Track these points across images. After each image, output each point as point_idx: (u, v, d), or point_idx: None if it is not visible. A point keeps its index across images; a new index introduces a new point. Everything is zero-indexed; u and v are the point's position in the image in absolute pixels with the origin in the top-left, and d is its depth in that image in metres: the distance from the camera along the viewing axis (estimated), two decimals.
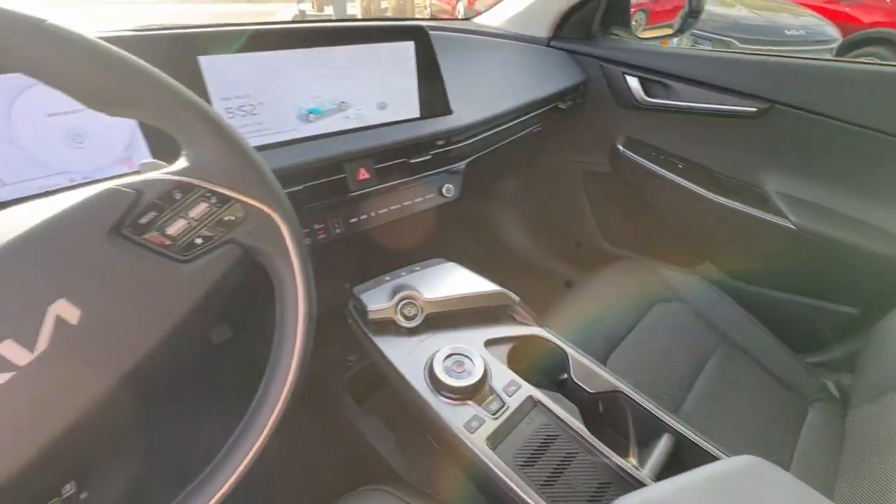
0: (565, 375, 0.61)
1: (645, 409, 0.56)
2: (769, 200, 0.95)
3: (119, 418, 0.30)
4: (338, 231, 0.68)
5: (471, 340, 0.61)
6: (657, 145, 1.08)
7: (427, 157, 0.73)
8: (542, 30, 1.09)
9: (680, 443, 0.53)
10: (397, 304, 0.62)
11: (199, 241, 0.32)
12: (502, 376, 0.57)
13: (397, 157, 0.70)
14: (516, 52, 1.05)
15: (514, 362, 0.60)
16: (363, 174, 0.67)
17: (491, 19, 1.15)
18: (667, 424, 0.54)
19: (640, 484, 0.46)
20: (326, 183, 0.64)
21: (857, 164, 0.86)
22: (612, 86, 1.07)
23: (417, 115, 0.73)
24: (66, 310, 0.26)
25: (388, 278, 0.67)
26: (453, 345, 0.58)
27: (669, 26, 1.39)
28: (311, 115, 0.63)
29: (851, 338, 0.92)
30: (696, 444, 0.52)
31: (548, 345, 0.63)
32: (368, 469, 0.82)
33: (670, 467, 0.50)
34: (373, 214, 0.71)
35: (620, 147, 1.10)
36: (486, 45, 1.02)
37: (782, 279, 0.99)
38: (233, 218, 0.33)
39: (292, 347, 0.37)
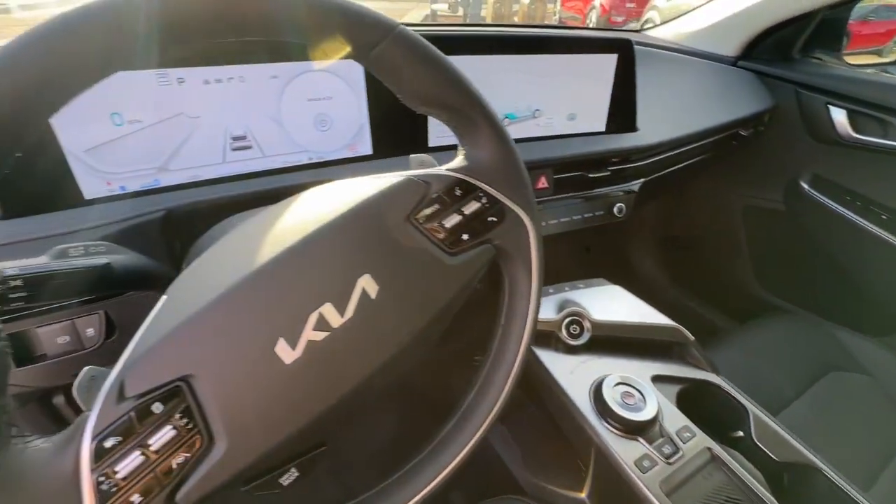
0: (741, 433, 0.55)
1: (846, 492, 0.48)
2: None
3: (373, 394, 0.33)
4: None
5: (637, 372, 0.58)
6: (855, 189, 0.93)
7: (606, 174, 0.71)
8: (731, 48, 1.00)
9: None
10: (563, 319, 0.61)
11: (465, 237, 0.33)
12: (675, 419, 0.53)
13: (577, 169, 0.69)
14: (702, 70, 0.97)
15: (683, 407, 0.56)
16: (542, 183, 0.67)
17: (668, 32, 1.08)
18: None
19: None
20: None
21: None
22: (808, 116, 0.95)
23: (603, 129, 0.71)
24: (369, 284, 0.29)
25: (551, 290, 0.66)
26: (622, 373, 0.55)
27: (878, 52, 1.21)
28: (506, 119, 0.64)
29: None
30: None
31: (723, 395, 0.57)
32: (492, 477, 0.83)
33: None
34: (543, 224, 0.71)
35: (804, 185, 0.97)
36: (671, 61, 0.96)
37: None
38: (495, 219, 0.34)
39: (511, 362, 0.37)
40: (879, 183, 0.90)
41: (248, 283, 0.26)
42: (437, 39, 0.34)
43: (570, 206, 0.72)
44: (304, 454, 0.30)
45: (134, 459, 0.22)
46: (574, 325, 0.61)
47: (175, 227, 0.45)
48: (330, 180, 0.33)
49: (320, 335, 0.27)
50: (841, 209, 0.93)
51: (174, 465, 0.23)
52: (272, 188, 0.50)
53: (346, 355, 0.29)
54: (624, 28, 1.31)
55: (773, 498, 0.47)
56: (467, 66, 0.60)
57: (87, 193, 0.43)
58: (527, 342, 0.37)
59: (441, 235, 0.33)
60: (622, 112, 0.71)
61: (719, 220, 1.16)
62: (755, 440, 0.53)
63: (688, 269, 1.27)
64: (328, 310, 0.28)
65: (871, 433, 0.69)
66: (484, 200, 0.34)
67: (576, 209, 0.73)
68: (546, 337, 0.62)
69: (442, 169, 0.34)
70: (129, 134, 0.43)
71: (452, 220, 0.33)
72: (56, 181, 0.42)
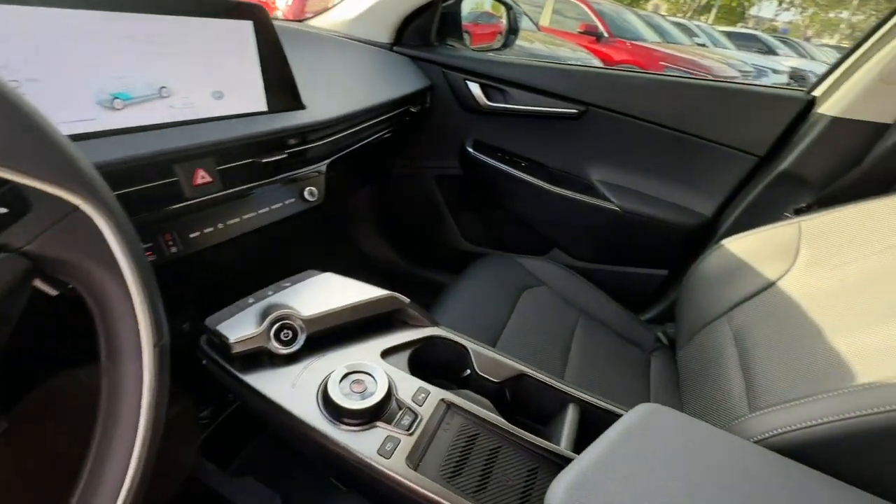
0: (468, 371, 0.58)
1: (549, 384, 0.56)
2: (596, 189, 1.11)
3: None
4: (173, 250, 0.53)
5: (366, 354, 0.54)
6: (501, 146, 1.16)
7: (282, 156, 0.63)
8: (384, 35, 1.08)
9: (584, 410, 0.55)
10: (269, 328, 0.51)
11: None
12: (409, 386, 0.51)
13: (245, 156, 0.59)
14: (362, 53, 1.01)
15: (416, 368, 0.55)
16: (202, 177, 0.54)
17: (327, 22, 1.09)
18: (570, 395, 0.55)
19: (565, 459, 0.46)
20: (150, 189, 0.49)
21: (653, 153, 1.07)
22: (456, 91, 1.12)
23: (265, 108, 0.63)
24: None
25: (251, 300, 0.55)
26: (347, 362, 0.50)
27: (490, 46, 1.53)
28: (118, 100, 0.48)
29: (669, 294, 1.12)
30: (598, 406, 0.54)
31: (447, 343, 0.59)
32: None
33: (583, 434, 0.51)
34: (220, 226, 0.58)
35: (469, 149, 1.16)
36: (330, 44, 0.96)
37: (615, 254, 1.16)
38: (4, 211, 0.21)
39: (136, 405, 0.25)
40: (513, 138, 1.15)
41: None
42: None
43: (252, 199, 0.62)
44: None
45: None
46: (285, 331, 0.52)
47: None
48: None
49: None
50: (497, 164, 1.14)
51: None
52: None
53: None
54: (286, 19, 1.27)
55: (500, 417, 0.50)
56: (27, 23, 0.41)
57: None
58: (154, 369, 0.25)
59: None
60: (282, 88, 0.64)
61: (421, 191, 1.28)
62: (478, 372, 0.57)
63: (409, 241, 1.37)
64: None
65: (555, 329, 0.87)
66: None
67: (261, 201, 0.63)
68: (255, 357, 0.51)
69: None
70: None
71: None
72: None
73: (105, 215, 0.24)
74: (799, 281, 0.70)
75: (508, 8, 1.25)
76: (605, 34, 5.56)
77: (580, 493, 0.38)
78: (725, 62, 5.76)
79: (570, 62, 4.33)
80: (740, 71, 5.74)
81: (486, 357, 0.58)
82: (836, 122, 0.88)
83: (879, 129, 0.85)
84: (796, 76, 6.63)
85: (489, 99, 1.10)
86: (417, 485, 0.42)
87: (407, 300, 0.60)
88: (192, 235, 0.55)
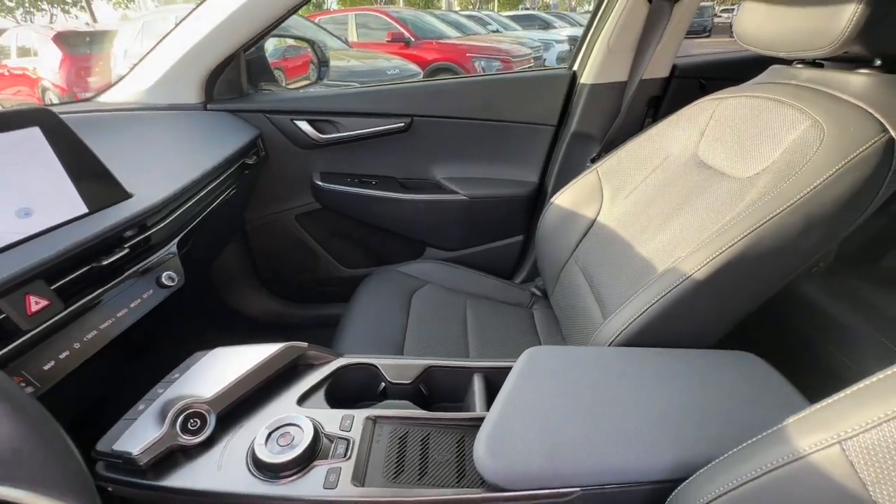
0: (382, 384, 0.64)
1: (453, 366, 0.65)
2: (443, 186, 1.23)
3: None
4: (29, 391, 0.48)
5: (283, 408, 0.56)
6: (347, 171, 1.22)
7: (123, 252, 0.60)
8: (193, 96, 1.05)
9: (487, 375, 0.64)
10: (173, 424, 0.50)
11: None
12: (333, 418, 0.54)
13: (81, 265, 0.55)
14: (176, 119, 0.97)
15: (335, 401, 0.59)
16: (36, 302, 0.50)
17: (123, 96, 1.02)
18: (472, 368, 0.64)
19: (481, 420, 0.55)
20: None
21: (476, 143, 1.23)
22: (286, 133, 1.14)
23: (85, 209, 0.59)
24: None
25: (141, 406, 0.52)
26: (267, 423, 0.52)
27: (307, 78, 1.56)
28: None
29: (529, 254, 1.31)
30: (497, 367, 0.64)
31: (355, 367, 0.64)
32: None
33: (492, 396, 0.60)
34: (77, 346, 0.54)
35: (318, 182, 1.19)
36: (137, 119, 0.91)
37: (476, 235, 1.30)
38: None
39: None
40: (355, 161, 1.21)
41: None
42: None
43: (104, 308, 0.58)
44: None
45: None
46: (192, 420, 0.51)
47: None
48: None
49: None
50: (348, 188, 1.19)
51: None
52: None
53: None
54: (80, 99, 1.14)
55: (421, 410, 0.57)
56: None
57: None
58: None
59: None
60: (98, 184, 0.61)
61: (286, 234, 1.27)
62: (390, 381, 0.63)
63: (290, 285, 1.36)
64: None
65: (448, 317, 0.96)
66: None
67: (115, 306, 0.59)
68: (168, 459, 0.49)
69: None
70: None
71: None
72: None
73: None
74: (609, 212, 0.90)
75: (311, 44, 1.30)
76: (412, 39, 5.92)
77: (496, 442, 0.47)
78: (518, 42, 6.58)
79: (389, 72, 4.53)
80: (531, 47, 6.60)
81: (393, 365, 0.64)
82: (594, 88, 1.13)
83: (621, 86, 1.12)
84: (573, 42, 7.88)
85: (321, 132, 1.15)
86: (368, 497, 0.46)
87: (304, 344, 0.63)
88: (46, 367, 0.50)
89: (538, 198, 1.25)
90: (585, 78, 1.15)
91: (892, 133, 0.56)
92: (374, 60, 4.73)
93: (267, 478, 0.47)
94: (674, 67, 1.16)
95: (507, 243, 1.31)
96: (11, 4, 17.61)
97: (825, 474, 0.32)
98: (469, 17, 9.01)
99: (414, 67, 4.96)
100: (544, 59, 6.73)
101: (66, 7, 18.65)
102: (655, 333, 0.63)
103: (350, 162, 1.21)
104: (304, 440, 0.49)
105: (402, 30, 5.95)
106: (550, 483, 0.46)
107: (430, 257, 1.30)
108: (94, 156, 0.61)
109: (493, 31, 8.66)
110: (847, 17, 0.57)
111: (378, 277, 1.07)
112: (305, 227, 1.28)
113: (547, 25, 10.50)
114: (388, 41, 5.91)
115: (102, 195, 0.61)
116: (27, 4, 17.99)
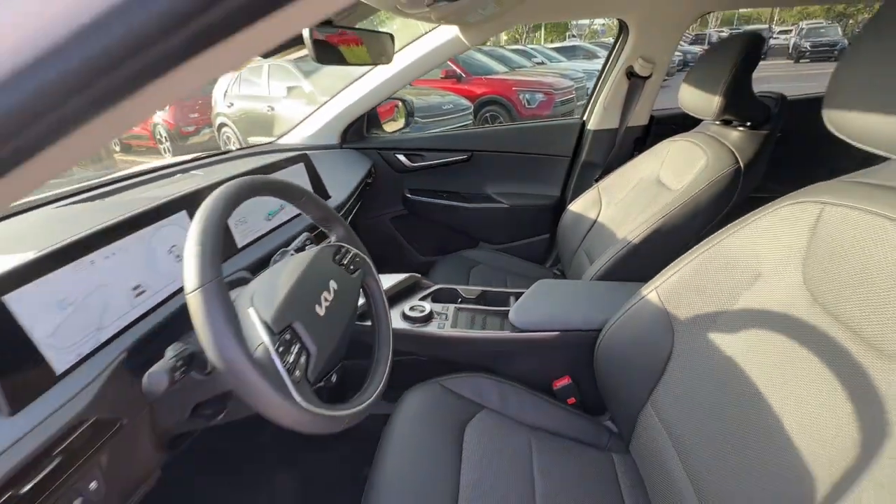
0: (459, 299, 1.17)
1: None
2: (491, 197, 1.78)
3: None
4: None
5: (413, 300, 1.10)
6: (428, 188, 1.79)
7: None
8: (334, 139, 1.67)
9: None
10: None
11: None
12: (437, 306, 1.08)
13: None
14: (326, 155, 1.59)
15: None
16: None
17: (294, 139, 1.66)
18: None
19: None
20: None
21: (516, 168, 1.77)
22: (390, 162, 1.74)
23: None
24: None
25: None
26: (407, 306, 1.06)
27: (393, 119, 2.17)
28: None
29: (554, 247, 1.81)
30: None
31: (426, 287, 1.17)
32: None
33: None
34: None
35: (408, 195, 1.77)
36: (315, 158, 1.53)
37: (515, 234, 1.83)
38: None
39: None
40: (432, 181, 1.79)
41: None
42: None
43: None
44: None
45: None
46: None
47: (133, 360, 0.61)
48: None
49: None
50: (429, 199, 1.76)
51: (301, 360, 0.56)
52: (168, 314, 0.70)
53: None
54: (258, 145, 1.77)
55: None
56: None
57: (58, 370, 0.55)
58: None
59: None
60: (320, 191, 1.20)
61: (381, 232, 1.85)
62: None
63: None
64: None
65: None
66: None
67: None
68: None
69: None
70: (72, 313, 0.57)
71: None
72: (33, 369, 0.52)
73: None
74: (605, 215, 1.39)
75: (403, 101, 1.91)
76: (463, 75, 6.63)
77: (521, 309, 0.99)
78: (561, 75, 7.13)
79: (444, 107, 5.21)
80: (574, 79, 7.12)
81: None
82: (596, 132, 1.65)
83: (614, 131, 1.64)
84: None
85: (412, 161, 1.73)
86: (458, 334, 0.99)
87: (418, 275, 1.17)
88: None
89: (560, 206, 1.77)
90: (591, 125, 1.68)
91: (741, 165, 1.04)
92: (431, 97, 5.43)
93: (411, 325, 1.01)
94: (652, 118, 1.66)
95: (538, 239, 1.82)
96: None
97: (650, 306, 0.81)
98: (515, 50, 9.66)
99: (465, 102, 5.61)
100: (587, 88, 7.18)
101: None
102: (616, 273, 1.12)
103: (429, 181, 1.79)
104: (427, 309, 1.03)
105: (454, 67, 6.68)
106: (543, 327, 0.96)
107: (482, 248, 1.84)
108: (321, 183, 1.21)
109: (539, 63, 9.24)
110: (716, 101, 1.05)
111: (448, 260, 1.61)
112: (396, 227, 1.86)
113: (592, 55, 10.97)
114: (442, 77, 6.64)
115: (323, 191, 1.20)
116: None
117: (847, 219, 0.52)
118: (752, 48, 1.00)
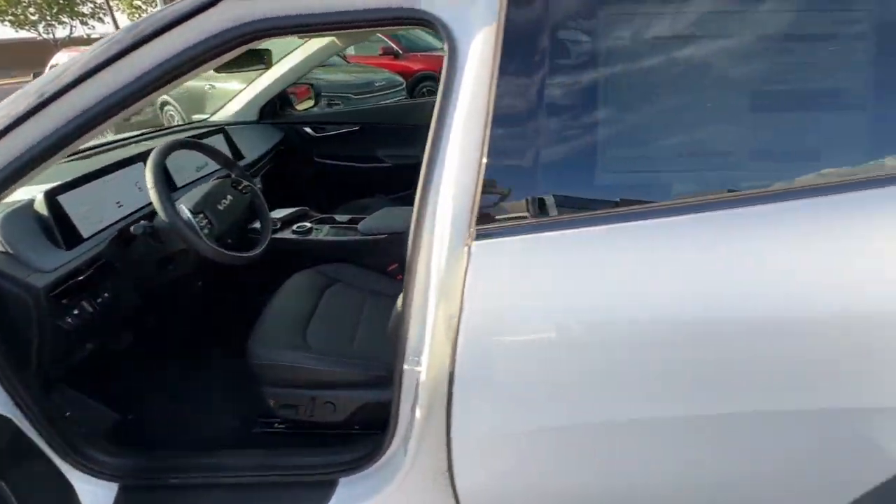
0: None
1: None
2: (379, 158, 2.37)
3: None
4: None
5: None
6: (331, 153, 2.35)
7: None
8: (253, 115, 2.19)
9: None
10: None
11: None
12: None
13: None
14: (246, 128, 2.11)
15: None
16: None
17: (224, 115, 2.17)
18: None
19: None
20: None
21: (399, 136, 2.35)
22: (300, 134, 2.29)
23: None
24: None
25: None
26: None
27: (309, 99, 2.70)
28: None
29: None
30: None
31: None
32: None
33: None
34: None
35: (316, 158, 2.33)
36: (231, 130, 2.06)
37: (398, 187, 2.43)
38: None
39: None
40: (333, 148, 2.35)
41: None
42: None
43: None
44: None
45: None
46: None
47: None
48: None
49: None
50: (333, 161, 2.33)
51: (208, 227, 1.16)
52: None
53: None
54: (191, 123, 2.24)
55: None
56: None
57: (85, 235, 1.11)
58: None
59: None
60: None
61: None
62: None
63: None
64: None
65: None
66: None
67: None
68: None
69: None
70: (89, 209, 1.14)
71: None
72: (74, 231, 1.09)
73: None
74: None
75: (311, 85, 2.44)
76: (400, 52, 7.04)
77: None
78: None
79: (377, 83, 5.65)
80: None
81: None
82: None
83: None
84: None
85: (317, 132, 2.29)
86: (325, 239, 1.59)
87: (307, 207, 1.75)
88: None
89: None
90: None
91: None
92: (365, 74, 5.86)
93: (298, 236, 1.60)
94: None
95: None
96: (35, 18, 18.88)
97: None
98: None
99: (398, 79, 6.05)
100: None
101: (84, 19, 19.97)
102: None
103: (334, 149, 2.35)
104: (308, 227, 1.62)
105: (391, 44, 7.07)
106: (380, 231, 1.58)
107: (378, 198, 2.42)
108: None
109: None
110: None
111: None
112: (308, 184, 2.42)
113: None
114: (380, 54, 7.03)
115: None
116: (49, 18, 19.24)
117: None
118: None
